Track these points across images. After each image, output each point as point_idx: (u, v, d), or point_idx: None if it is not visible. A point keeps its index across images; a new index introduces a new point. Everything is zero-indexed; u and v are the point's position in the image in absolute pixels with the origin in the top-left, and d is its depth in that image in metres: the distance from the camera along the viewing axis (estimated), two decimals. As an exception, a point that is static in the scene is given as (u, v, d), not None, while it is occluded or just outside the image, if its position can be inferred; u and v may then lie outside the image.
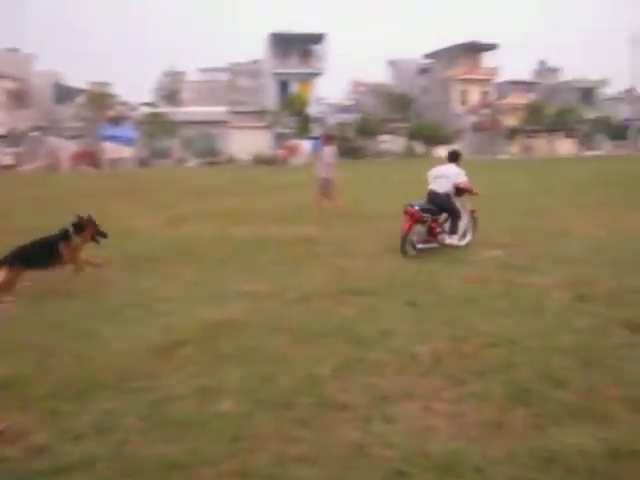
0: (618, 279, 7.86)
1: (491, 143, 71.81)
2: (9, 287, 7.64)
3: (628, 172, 32.19)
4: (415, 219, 10.35)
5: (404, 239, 10.20)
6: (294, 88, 68.28)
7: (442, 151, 67.72)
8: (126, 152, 60.35)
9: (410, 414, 4.23)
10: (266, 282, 8.10)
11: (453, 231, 10.80)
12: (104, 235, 8.49)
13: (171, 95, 69.93)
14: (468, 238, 11.21)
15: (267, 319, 6.39)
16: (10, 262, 7.64)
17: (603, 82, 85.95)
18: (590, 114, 79.39)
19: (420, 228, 10.47)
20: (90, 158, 58.24)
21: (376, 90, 79.90)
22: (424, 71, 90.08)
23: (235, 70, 78.78)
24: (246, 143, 61.37)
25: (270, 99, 68.02)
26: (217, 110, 65.57)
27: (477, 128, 73.31)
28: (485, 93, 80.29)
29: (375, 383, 4.72)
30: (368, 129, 65.92)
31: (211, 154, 61.92)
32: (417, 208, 10.36)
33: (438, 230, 10.76)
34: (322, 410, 4.30)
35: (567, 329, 5.88)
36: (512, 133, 74.56)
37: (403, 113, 75.85)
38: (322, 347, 5.50)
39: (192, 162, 60.63)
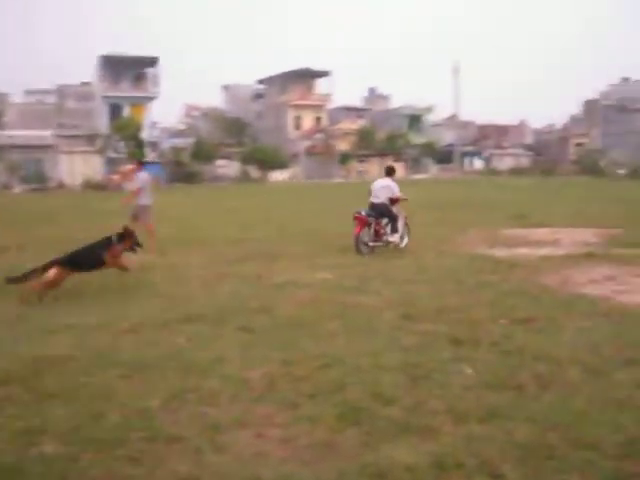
0: (441, 297, 8.26)
1: (325, 167, 73.53)
2: (54, 285, 8.82)
3: (451, 196, 34.13)
4: (363, 223, 12.89)
5: (357, 240, 12.74)
6: (126, 112, 66.69)
7: (277, 175, 68.81)
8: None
9: (242, 441, 4.18)
10: (94, 313, 7.75)
11: (394, 231, 13.43)
12: (140, 245, 9.88)
13: (-7, 118, 66.16)
14: (406, 240, 13.76)
15: (95, 352, 6.10)
16: (61, 263, 8.83)
17: (429, 109, 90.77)
18: (418, 139, 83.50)
19: (367, 231, 13.00)
20: None
21: (210, 114, 79.80)
22: (258, 96, 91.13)
23: (63, 92, 75.83)
24: (76, 168, 59.11)
25: (101, 123, 65.99)
26: (44, 134, 62.64)
27: (311, 153, 74.89)
28: (318, 118, 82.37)
29: (207, 412, 4.63)
30: (203, 154, 65.52)
31: (39, 180, 58.90)
32: (364, 214, 12.95)
33: (382, 232, 13.35)
34: (152, 445, 4.14)
35: (396, 347, 6.08)
36: (345, 157, 76.83)
37: (238, 138, 76.24)
38: (152, 379, 5.33)
39: (18, 188, 57.39)
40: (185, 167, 63.26)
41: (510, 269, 10.56)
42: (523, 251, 12.88)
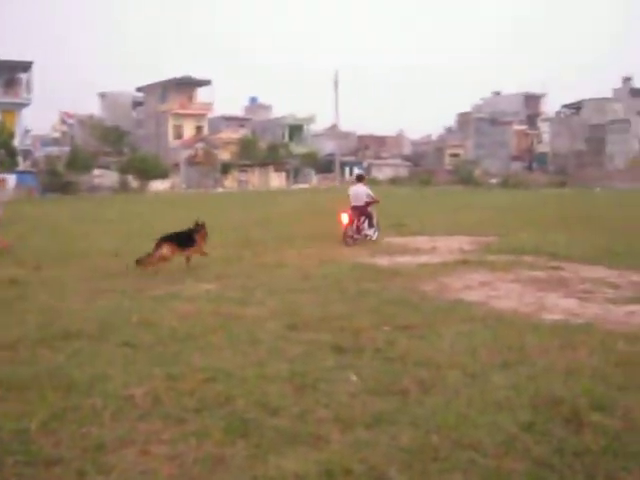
0: (324, 306, 8.36)
1: (206, 177, 72.89)
2: (167, 259, 11.68)
3: (331, 205, 34.56)
4: (351, 220, 16.55)
5: (345, 234, 16.31)
6: (-3, 118, 63.65)
7: (158, 185, 67.55)
8: None
9: (128, 460, 4.06)
10: (-36, 331, 7.35)
11: (371, 226, 17.08)
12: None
13: None
14: (376, 234, 17.19)
15: (-35, 372, 5.79)
16: (170, 240, 11.62)
17: (310, 119, 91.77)
18: (299, 149, 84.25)
19: (351, 227, 16.55)
20: None
21: (86, 122, 77.49)
22: (138, 104, 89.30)
23: None
24: (-60, 177, 55.86)
25: (-31, 129, 62.68)
26: None
27: (192, 162, 74.06)
28: (199, 128, 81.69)
29: (89, 432, 4.46)
30: (79, 163, 63.37)
31: None
32: (349, 213, 16.60)
33: (361, 227, 16.88)
34: (31, 469, 3.95)
35: (281, 357, 6.10)
36: (226, 167, 76.44)
37: (116, 146, 74.37)
38: (30, 399, 5.08)
39: None
40: (60, 177, 60.97)
41: (391, 277, 10.83)
42: (403, 259, 13.24)
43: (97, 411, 4.82)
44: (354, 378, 5.49)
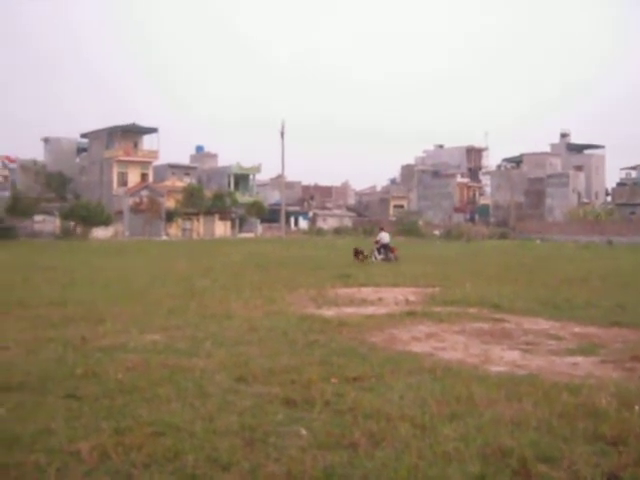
0: (273, 358, 8.33)
1: (150, 224, 72.27)
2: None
3: (277, 255, 34.66)
4: (372, 251, 30.00)
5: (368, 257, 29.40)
6: None
7: (100, 232, 66.67)
8: None
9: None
10: None
11: (385, 255, 29.82)
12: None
13: None
14: (378, 260, 29.43)
15: None
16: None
17: (256, 169, 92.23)
18: (244, 198, 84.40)
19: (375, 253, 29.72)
20: None
21: (29, 167, 76.37)
22: (82, 150, 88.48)
23: None
24: None
25: None
26: None
27: (136, 210, 73.40)
28: (144, 175, 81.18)
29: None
30: (20, 208, 62.30)
31: None
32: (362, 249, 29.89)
33: (381, 255, 29.74)
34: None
35: (230, 411, 6.04)
36: (171, 215, 75.99)
37: (59, 192, 73.34)
38: (-32, 455, 4.93)
39: None
40: (0, 221, 59.73)
41: (338, 328, 10.85)
42: (349, 310, 13.30)
43: (41, 467, 4.70)
44: (304, 432, 5.47)
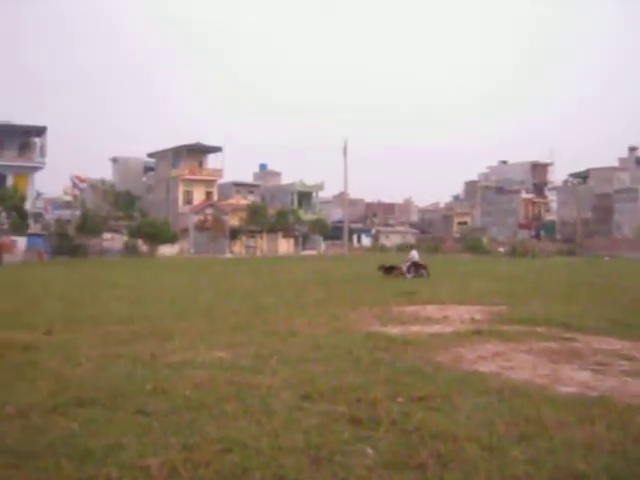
0: (338, 376, 8.31)
1: (215, 242, 73.31)
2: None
3: (340, 272, 34.64)
4: (408, 268, 30.99)
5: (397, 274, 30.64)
6: (10, 181, 64.60)
7: (166, 250, 67.97)
8: None
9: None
10: (-24, 396, 7.33)
11: (409, 272, 30.78)
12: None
13: None
14: (410, 276, 30.37)
15: (-21, 440, 5.75)
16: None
17: (319, 186, 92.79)
18: (307, 216, 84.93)
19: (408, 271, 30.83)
20: None
21: (98, 186, 78.48)
22: (149, 169, 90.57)
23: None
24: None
25: (-17, 193, 63.59)
26: None
27: (201, 227, 74.62)
28: (209, 193, 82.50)
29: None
30: (89, 226, 64.03)
31: None
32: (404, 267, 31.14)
33: (410, 271, 30.68)
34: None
35: (296, 428, 6.04)
36: (235, 232, 76.96)
37: (127, 211, 75.07)
38: (44, 467, 5.06)
39: None
40: (70, 240, 61.50)
41: (403, 346, 10.76)
42: (414, 328, 13.17)
43: (112, 482, 4.78)
44: (370, 451, 5.44)
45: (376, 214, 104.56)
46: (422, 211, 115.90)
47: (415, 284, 25.27)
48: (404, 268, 30.88)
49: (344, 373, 8.54)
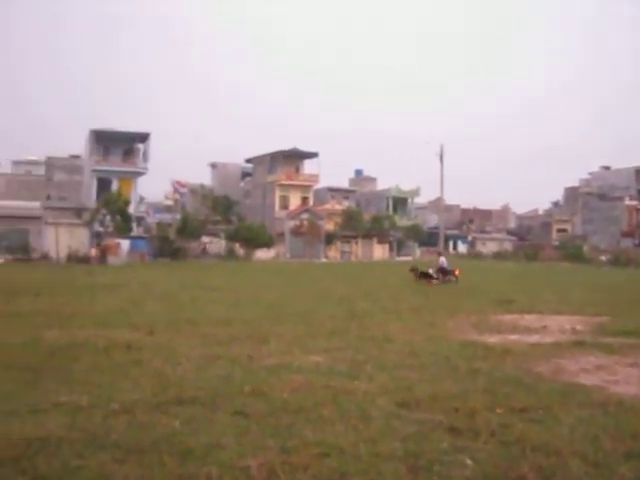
0: (435, 384, 8.22)
1: (310, 247, 73.90)
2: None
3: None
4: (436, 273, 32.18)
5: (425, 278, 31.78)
6: (115, 186, 67.24)
7: (262, 254, 69.01)
8: None
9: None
10: (84, 392, 7.63)
11: (444, 277, 32.11)
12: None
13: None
14: (437, 282, 31.42)
15: (87, 434, 5.98)
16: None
17: (415, 192, 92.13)
18: (403, 222, 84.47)
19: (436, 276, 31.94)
20: None
21: (197, 191, 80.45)
22: (246, 175, 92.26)
23: (52, 164, 76.04)
24: (62, 240, 58.85)
25: (89, 196, 66.44)
26: (31, 205, 62.56)
27: (297, 232, 75.36)
28: (305, 198, 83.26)
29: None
30: (189, 230, 65.71)
31: (23, 250, 58.36)
32: (430, 271, 32.42)
33: (438, 276, 31.95)
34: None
35: (393, 436, 6.01)
36: (330, 238, 77.35)
37: (225, 215, 76.65)
38: (149, 463, 5.22)
39: (0, 258, 56.74)
40: (171, 243, 63.31)
41: (502, 356, 10.54)
42: (513, 338, 12.89)
43: (213, 481, 4.88)
44: (469, 462, 5.35)
45: (472, 220, 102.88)
46: (520, 218, 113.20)
47: (512, 293, 24.65)
48: (434, 274, 32.06)
49: (441, 381, 8.44)
